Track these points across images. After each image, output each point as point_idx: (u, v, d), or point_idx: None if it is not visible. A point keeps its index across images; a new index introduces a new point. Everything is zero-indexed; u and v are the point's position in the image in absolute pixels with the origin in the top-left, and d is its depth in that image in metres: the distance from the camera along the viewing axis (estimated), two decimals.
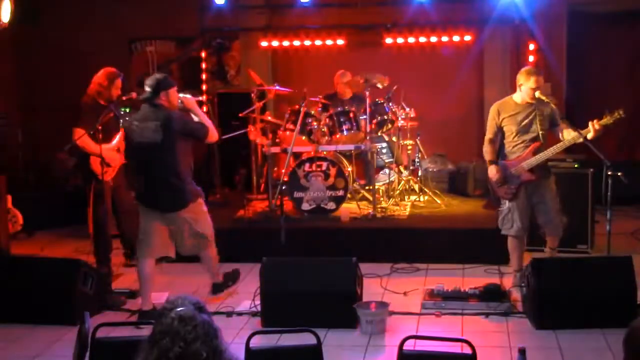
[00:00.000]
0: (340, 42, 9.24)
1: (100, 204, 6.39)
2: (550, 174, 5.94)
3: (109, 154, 6.31)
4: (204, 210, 5.76)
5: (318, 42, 9.28)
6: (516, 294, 5.74)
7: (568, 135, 5.68)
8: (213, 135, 5.69)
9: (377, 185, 7.79)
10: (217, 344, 2.33)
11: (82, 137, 6.21)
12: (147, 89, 5.54)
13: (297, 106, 7.51)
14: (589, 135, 5.55)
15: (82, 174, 6.58)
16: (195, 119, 5.67)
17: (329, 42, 9.25)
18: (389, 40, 9.07)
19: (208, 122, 5.70)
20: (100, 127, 6.00)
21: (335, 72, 8.27)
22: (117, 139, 6.59)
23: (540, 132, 5.73)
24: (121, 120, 6.26)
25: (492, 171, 5.82)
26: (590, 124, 5.53)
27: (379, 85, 7.62)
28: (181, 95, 5.69)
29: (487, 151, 5.88)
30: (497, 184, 5.86)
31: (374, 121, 7.64)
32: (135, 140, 5.51)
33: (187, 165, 5.60)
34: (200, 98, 6.26)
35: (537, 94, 6.33)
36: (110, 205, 6.47)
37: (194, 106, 5.71)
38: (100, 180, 6.22)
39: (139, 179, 5.66)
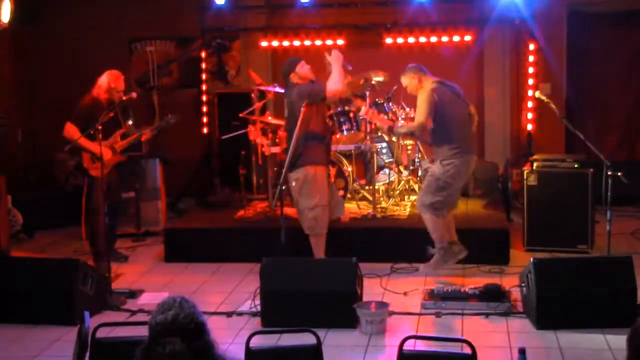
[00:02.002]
0: (340, 42, 9.23)
1: (89, 198, 6.61)
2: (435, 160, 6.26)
3: (99, 149, 6.42)
4: (315, 180, 6.10)
5: (318, 42, 9.27)
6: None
7: None
8: (332, 87, 6.01)
9: (377, 185, 7.79)
10: None
11: (68, 131, 6.47)
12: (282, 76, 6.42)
13: None
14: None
15: (79, 171, 6.73)
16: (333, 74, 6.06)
17: (329, 42, 9.24)
18: (389, 40, 9.06)
19: (336, 75, 6.02)
20: (100, 127, 6.06)
21: None
22: (113, 137, 6.66)
23: None
24: (129, 122, 6.62)
25: None
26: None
27: (380, 78, 7.61)
28: (332, 55, 6.16)
29: None
30: None
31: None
32: None
33: (309, 132, 6.04)
34: (349, 67, 6.52)
35: (537, 94, 6.38)
36: (102, 201, 6.48)
37: (335, 62, 6.11)
38: (91, 176, 6.52)
39: None
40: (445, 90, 6.15)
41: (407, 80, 6.33)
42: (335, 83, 6.02)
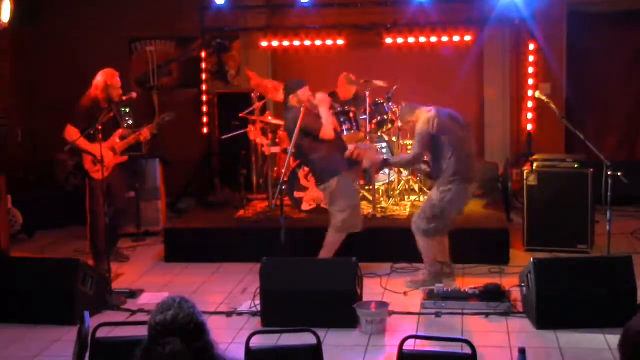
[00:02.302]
0: (340, 42, 9.23)
1: (92, 200, 6.60)
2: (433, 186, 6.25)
3: (101, 152, 6.42)
4: (338, 189, 6.19)
5: (318, 42, 9.27)
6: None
7: None
8: (325, 133, 6.13)
9: (377, 185, 7.79)
10: None
11: (69, 133, 6.42)
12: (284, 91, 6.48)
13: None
14: None
15: (79, 171, 6.72)
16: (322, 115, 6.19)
17: (329, 42, 9.24)
18: (389, 40, 9.05)
19: (326, 121, 6.16)
20: (100, 127, 6.06)
21: (336, 72, 8.25)
22: (112, 138, 6.64)
23: None
24: (126, 120, 6.59)
25: None
26: None
27: (380, 83, 7.63)
28: (318, 95, 6.27)
29: None
30: None
31: (374, 121, 7.63)
32: None
33: (319, 150, 6.20)
34: (336, 106, 6.85)
35: (537, 94, 6.38)
36: (103, 202, 6.51)
37: (323, 105, 6.23)
38: (92, 178, 6.50)
39: None
40: (443, 117, 6.00)
41: (403, 122, 6.40)
42: (327, 132, 6.15)
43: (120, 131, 6.77)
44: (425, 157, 6.15)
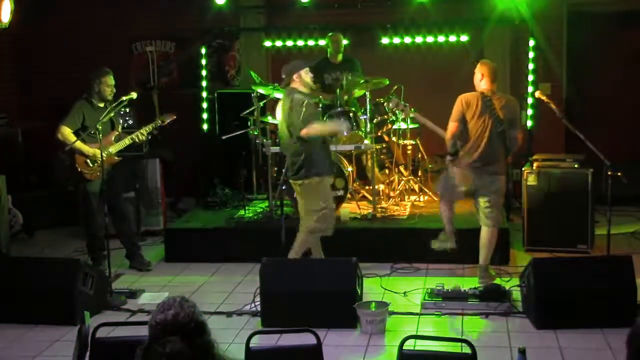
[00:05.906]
0: None
1: (85, 202, 6.59)
2: None
3: (93, 152, 6.38)
4: (321, 188, 6.03)
5: (318, 42, 9.26)
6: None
7: None
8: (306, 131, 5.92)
9: (377, 185, 7.78)
10: None
11: (62, 133, 6.44)
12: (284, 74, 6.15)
13: None
14: None
15: (72, 174, 6.64)
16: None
17: None
18: (388, 40, 9.06)
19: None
20: (99, 127, 6.07)
21: None
22: (107, 138, 6.61)
23: None
24: (126, 121, 6.46)
25: None
26: None
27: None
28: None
29: None
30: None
31: (374, 121, 7.63)
32: None
33: (313, 144, 5.96)
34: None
35: (537, 94, 6.39)
36: (95, 204, 6.53)
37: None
38: (85, 179, 6.45)
39: None
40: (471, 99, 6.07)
41: None
42: (311, 129, 5.89)
43: (115, 132, 6.72)
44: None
